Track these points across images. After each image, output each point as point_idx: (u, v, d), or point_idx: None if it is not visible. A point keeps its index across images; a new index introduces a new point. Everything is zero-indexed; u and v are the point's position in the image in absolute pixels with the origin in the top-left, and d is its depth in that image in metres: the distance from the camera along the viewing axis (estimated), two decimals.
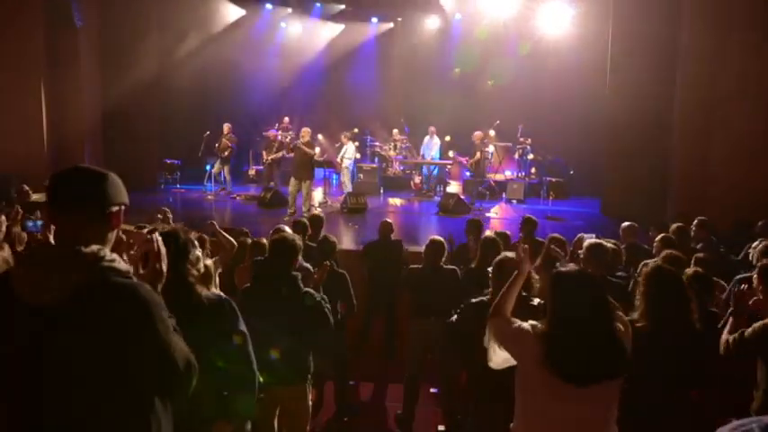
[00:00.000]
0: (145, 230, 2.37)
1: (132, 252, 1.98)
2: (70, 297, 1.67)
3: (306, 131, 10.60)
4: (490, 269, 3.28)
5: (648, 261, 4.10)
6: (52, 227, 3.85)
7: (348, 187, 12.26)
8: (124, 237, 2.01)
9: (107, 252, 1.77)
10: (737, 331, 3.13)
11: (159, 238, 1.99)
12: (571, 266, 2.43)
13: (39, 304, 1.68)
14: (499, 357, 2.50)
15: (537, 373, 2.27)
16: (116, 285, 1.71)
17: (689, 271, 3.59)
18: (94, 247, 1.73)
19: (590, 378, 2.21)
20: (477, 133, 12.49)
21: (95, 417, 1.72)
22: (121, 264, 1.79)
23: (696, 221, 5.95)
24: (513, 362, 2.46)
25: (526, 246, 2.71)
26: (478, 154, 12.17)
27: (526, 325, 2.38)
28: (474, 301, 3.38)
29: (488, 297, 3.26)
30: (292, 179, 10.47)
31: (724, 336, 3.18)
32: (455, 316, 3.37)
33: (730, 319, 3.22)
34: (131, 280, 1.78)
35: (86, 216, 1.77)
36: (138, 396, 1.77)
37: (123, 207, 1.87)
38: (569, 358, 2.21)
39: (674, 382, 2.84)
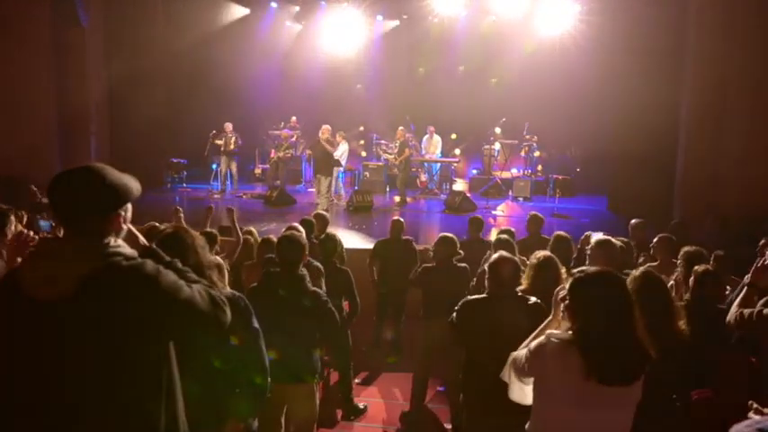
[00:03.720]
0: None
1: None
2: (79, 287, 1.68)
3: (326, 129, 10.76)
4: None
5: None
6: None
7: (340, 189, 12.18)
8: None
9: (111, 239, 1.79)
10: (748, 304, 3.15)
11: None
12: (592, 268, 2.38)
13: (48, 298, 1.70)
14: (517, 389, 2.46)
15: (564, 378, 2.21)
16: (122, 268, 1.74)
17: (698, 268, 3.57)
18: (99, 237, 1.77)
19: (619, 378, 2.18)
20: (401, 129, 12.22)
21: (109, 402, 1.74)
22: (126, 248, 1.82)
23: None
24: (529, 395, 2.42)
25: (563, 292, 2.56)
26: (406, 150, 11.97)
27: (540, 339, 2.33)
28: (471, 298, 3.35)
29: (486, 294, 3.25)
30: (316, 176, 10.81)
31: (735, 307, 3.20)
32: (454, 314, 3.35)
33: (744, 290, 3.24)
34: (138, 260, 1.79)
35: (91, 215, 1.78)
36: (151, 376, 1.79)
37: (129, 205, 1.88)
38: (601, 357, 2.16)
39: (670, 384, 2.82)
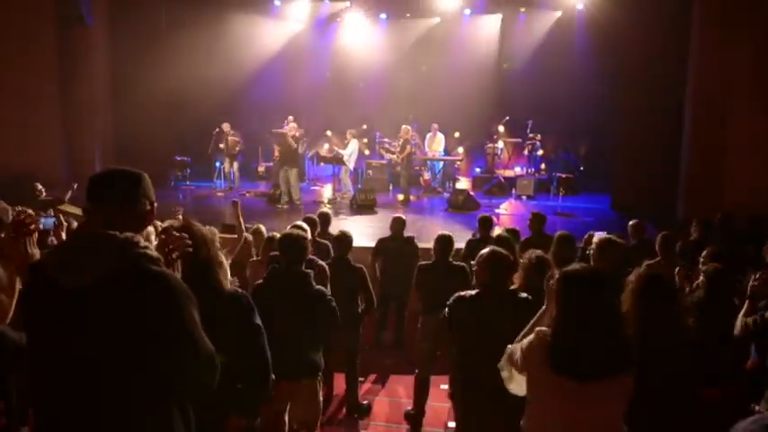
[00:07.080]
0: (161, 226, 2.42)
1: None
2: (103, 281, 1.70)
3: (292, 126, 11.48)
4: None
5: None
6: (65, 225, 3.91)
7: (348, 186, 12.21)
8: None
9: (140, 239, 1.81)
10: (751, 314, 3.22)
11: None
12: (577, 265, 2.41)
13: (73, 287, 1.72)
14: (517, 383, 2.49)
15: (543, 374, 2.26)
16: (148, 272, 1.75)
17: (709, 266, 3.58)
18: (128, 234, 1.78)
19: (589, 374, 2.21)
20: (405, 128, 12.20)
21: (120, 398, 1.74)
22: (154, 251, 1.83)
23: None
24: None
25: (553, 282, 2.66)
26: (408, 147, 12.00)
27: (530, 336, 2.38)
28: (463, 294, 3.30)
29: (477, 291, 3.23)
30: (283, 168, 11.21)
31: (741, 317, 3.26)
32: (446, 310, 3.35)
33: (746, 303, 3.31)
34: (162, 268, 1.81)
35: (127, 213, 1.83)
36: (163, 382, 1.79)
37: (156, 204, 1.93)
38: (569, 354, 2.22)
39: (673, 379, 2.82)
